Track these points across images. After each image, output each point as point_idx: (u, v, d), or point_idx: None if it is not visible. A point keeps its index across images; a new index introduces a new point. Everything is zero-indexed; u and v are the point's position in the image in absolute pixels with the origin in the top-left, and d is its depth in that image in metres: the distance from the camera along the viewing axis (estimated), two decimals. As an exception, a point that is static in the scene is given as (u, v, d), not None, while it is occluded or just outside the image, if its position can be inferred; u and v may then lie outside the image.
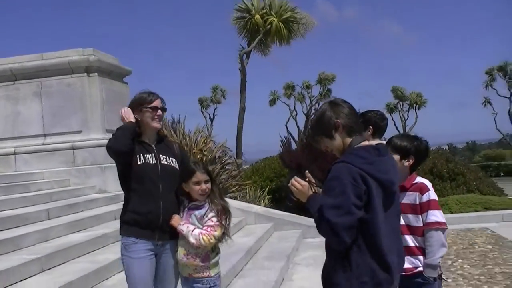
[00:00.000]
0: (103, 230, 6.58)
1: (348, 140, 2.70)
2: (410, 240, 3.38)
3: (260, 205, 11.18)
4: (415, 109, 48.66)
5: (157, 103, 3.42)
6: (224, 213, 3.40)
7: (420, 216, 3.36)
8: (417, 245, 3.38)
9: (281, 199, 14.09)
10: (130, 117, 3.36)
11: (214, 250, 3.40)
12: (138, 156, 3.35)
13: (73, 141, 9.53)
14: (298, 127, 46.60)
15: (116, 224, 6.94)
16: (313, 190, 2.79)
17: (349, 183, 2.50)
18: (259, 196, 12.77)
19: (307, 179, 2.84)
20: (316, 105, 44.55)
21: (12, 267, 4.62)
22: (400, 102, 49.19)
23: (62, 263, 5.27)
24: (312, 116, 2.86)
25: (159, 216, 3.32)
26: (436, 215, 3.32)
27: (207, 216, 3.33)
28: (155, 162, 3.39)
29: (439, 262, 3.34)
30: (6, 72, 9.83)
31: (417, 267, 3.34)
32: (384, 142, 4.63)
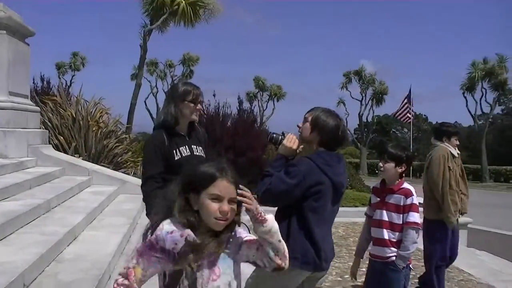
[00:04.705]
0: (32, 200, 6.27)
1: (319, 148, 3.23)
2: (386, 234, 3.97)
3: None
4: (273, 101, 50.78)
5: (200, 97, 3.52)
6: None
7: (401, 215, 3.93)
8: (392, 239, 3.95)
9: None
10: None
11: None
12: (174, 151, 3.44)
13: (-28, 100, 8.77)
14: (157, 104, 46.49)
15: (36, 193, 6.70)
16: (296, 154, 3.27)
17: (302, 175, 3.03)
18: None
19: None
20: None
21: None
22: (260, 92, 50.99)
23: (11, 233, 5.01)
24: (318, 111, 3.30)
25: None
26: (415, 217, 3.91)
27: None
28: (189, 153, 3.50)
29: (409, 255, 3.95)
30: None
31: (389, 257, 3.93)
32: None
